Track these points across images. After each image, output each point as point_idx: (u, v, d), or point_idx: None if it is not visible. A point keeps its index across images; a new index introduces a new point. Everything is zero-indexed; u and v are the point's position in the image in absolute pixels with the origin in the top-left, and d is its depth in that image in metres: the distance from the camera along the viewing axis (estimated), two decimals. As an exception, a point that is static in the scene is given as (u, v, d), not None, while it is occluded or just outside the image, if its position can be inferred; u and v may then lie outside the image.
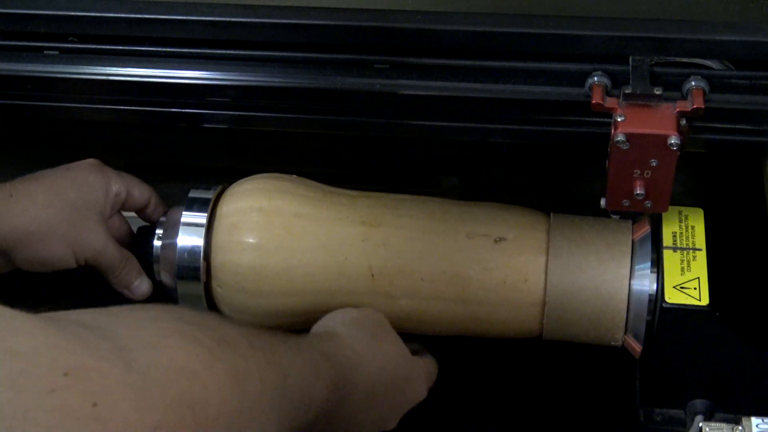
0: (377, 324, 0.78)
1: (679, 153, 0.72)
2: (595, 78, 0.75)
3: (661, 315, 0.76)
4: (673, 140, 0.71)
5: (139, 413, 0.49)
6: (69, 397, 0.47)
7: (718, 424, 0.71)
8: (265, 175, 0.84)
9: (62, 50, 0.83)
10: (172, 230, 0.83)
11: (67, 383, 0.47)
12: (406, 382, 0.78)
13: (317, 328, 0.78)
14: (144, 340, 0.53)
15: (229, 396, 0.55)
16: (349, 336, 0.75)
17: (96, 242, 0.82)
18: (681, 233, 0.79)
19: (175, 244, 0.82)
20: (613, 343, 0.80)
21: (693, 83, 0.73)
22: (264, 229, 0.81)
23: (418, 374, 0.79)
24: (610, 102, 0.73)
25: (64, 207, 0.81)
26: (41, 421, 0.45)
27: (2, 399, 0.45)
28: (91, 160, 0.84)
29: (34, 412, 0.45)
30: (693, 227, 0.80)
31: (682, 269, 0.77)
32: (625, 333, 0.79)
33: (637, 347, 0.79)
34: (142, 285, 0.85)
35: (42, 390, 0.46)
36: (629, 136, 0.71)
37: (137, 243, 0.87)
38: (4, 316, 0.49)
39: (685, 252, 0.78)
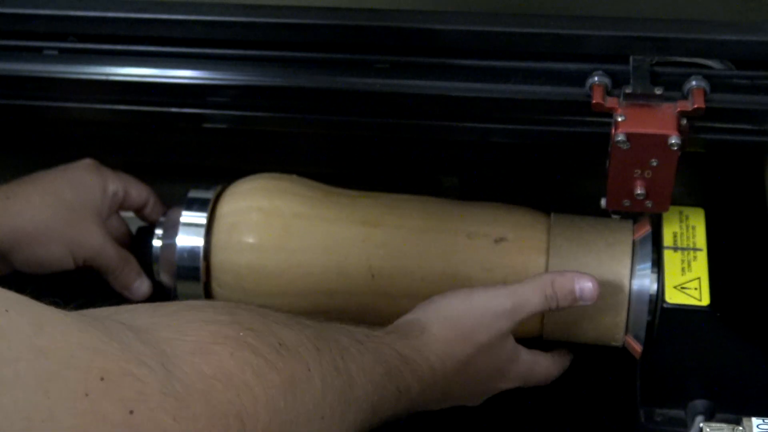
0: (476, 318, 0.73)
1: (679, 153, 0.72)
2: (596, 78, 0.75)
3: (661, 315, 0.76)
4: (674, 140, 0.71)
5: (179, 423, 0.47)
6: (103, 402, 0.45)
7: (718, 425, 0.70)
8: (265, 175, 0.84)
9: (61, 50, 0.83)
10: (171, 230, 0.83)
11: (102, 388, 0.45)
12: (500, 375, 0.75)
13: (406, 320, 0.74)
14: (191, 345, 0.51)
15: (283, 408, 0.52)
16: (437, 336, 0.71)
17: (94, 243, 0.82)
18: (681, 233, 0.79)
19: (175, 244, 0.82)
20: (613, 343, 0.80)
21: (694, 83, 0.73)
22: (264, 229, 0.81)
23: (520, 368, 0.76)
24: (610, 102, 0.73)
25: (61, 208, 0.81)
26: (70, 425, 0.43)
27: (30, 401, 0.43)
28: (87, 161, 0.84)
29: (64, 415, 0.43)
30: (694, 227, 0.79)
31: (683, 269, 0.77)
32: (626, 333, 0.79)
33: (637, 347, 0.79)
34: (142, 285, 0.85)
35: (74, 393, 0.44)
36: (630, 136, 0.71)
37: (136, 243, 0.87)
38: (34, 310, 0.46)
39: (685, 252, 0.78)
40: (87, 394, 0.44)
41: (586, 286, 0.74)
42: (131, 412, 0.45)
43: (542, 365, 0.79)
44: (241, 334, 0.53)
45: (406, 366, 0.67)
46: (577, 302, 0.74)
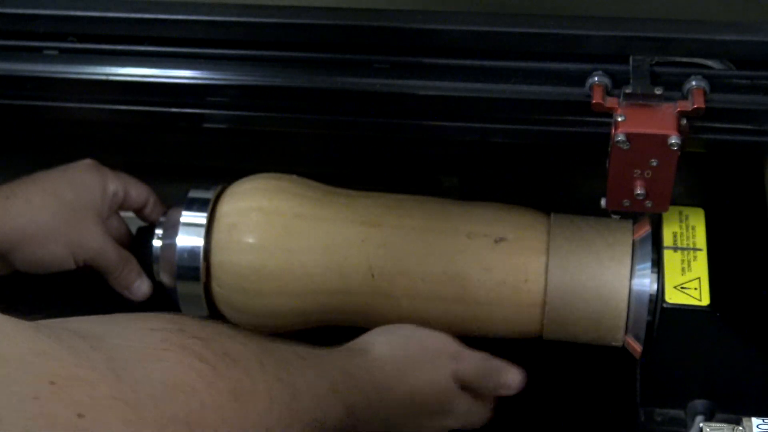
0: (423, 348, 0.76)
1: (679, 153, 0.72)
2: (596, 78, 0.75)
3: (661, 315, 0.76)
4: (674, 140, 0.71)
5: (128, 427, 0.48)
6: (53, 405, 0.45)
7: (718, 425, 0.70)
8: (265, 175, 0.84)
9: (62, 50, 0.83)
10: (171, 230, 0.83)
11: (52, 391, 0.46)
12: (443, 412, 0.77)
13: (355, 341, 0.76)
14: (140, 351, 0.52)
15: (230, 415, 0.53)
16: (383, 356, 0.73)
17: (94, 243, 0.82)
18: (681, 233, 0.79)
19: (175, 244, 0.82)
20: (613, 343, 0.80)
21: (693, 83, 0.73)
22: (264, 229, 0.80)
23: (460, 408, 0.78)
24: (610, 102, 0.73)
25: (61, 208, 0.81)
26: (21, 427, 0.44)
27: None
28: (87, 161, 0.84)
29: (14, 417, 0.44)
30: (693, 227, 0.79)
31: (683, 269, 0.77)
32: (626, 333, 0.79)
33: (637, 347, 0.79)
34: (142, 286, 0.85)
35: (25, 396, 0.45)
36: (630, 136, 0.71)
37: (136, 243, 0.87)
38: None
39: (685, 252, 0.78)
40: (36, 398, 0.45)
41: (512, 379, 0.78)
42: (81, 415, 0.46)
43: (479, 412, 0.80)
44: (188, 341, 0.54)
45: (350, 382, 0.68)
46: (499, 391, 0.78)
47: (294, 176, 0.84)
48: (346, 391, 0.67)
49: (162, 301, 0.85)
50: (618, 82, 0.74)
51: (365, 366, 0.71)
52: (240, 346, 0.59)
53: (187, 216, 0.82)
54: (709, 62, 0.75)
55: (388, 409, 0.72)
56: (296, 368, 0.63)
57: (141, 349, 0.52)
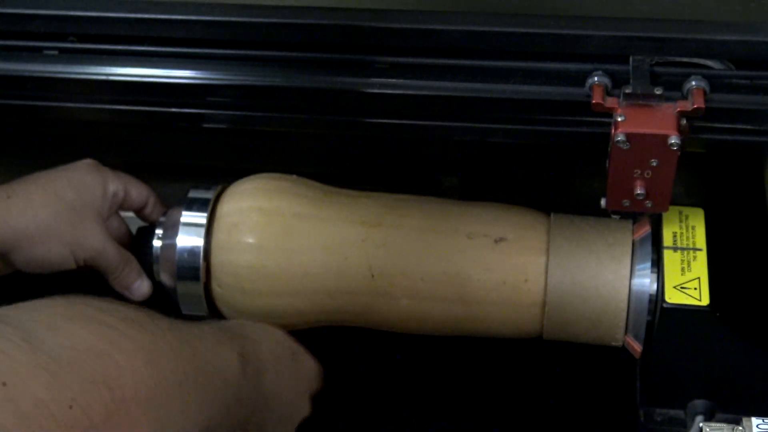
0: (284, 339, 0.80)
1: (679, 153, 0.72)
2: (596, 78, 0.75)
3: (661, 315, 0.76)
4: (674, 140, 0.71)
5: (51, 391, 0.50)
6: None
7: (718, 425, 0.70)
8: (265, 175, 0.84)
9: (61, 50, 0.83)
10: (171, 230, 0.83)
11: None
12: (296, 359, 0.79)
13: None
14: (47, 323, 0.54)
15: (144, 373, 0.56)
16: (266, 332, 0.77)
17: (95, 242, 0.82)
18: (681, 233, 0.79)
19: (175, 244, 0.82)
20: (613, 343, 0.80)
21: (693, 83, 0.73)
22: (264, 229, 0.81)
23: (300, 353, 0.80)
24: (610, 102, 0.73)
25: (61, 207, 0.81)
26: None
27: None
28: (88, 161, 0.84)
29: None
30: (693, 227, 0.80)
31: (683, 269, 0.77)
32: (626, 333, 0.79)
33: (637, 347, 0.79)
34: (142, 286, 0.85)
35: None
36: (629, 136, 0.71)
37: (136, 243, 0.86)
38: None
39: (685, 252, 0.78)
40: None
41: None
42: (4, 383, 0.48)
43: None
44: (90, 310, 0.57)
45: (233, 335, 0.71)
46: None
47: (294, 176, 0.84)
48: (234, 342, 0.70)
49: (162, 302, 0.85)
50: (618, 82, 0.74)
51: (236, 325, 0.76)
52: (136, 310, 0.62)
53: (187, 216, 0.82)
54: (709, 62, 0.75)
55: (269, 358, 0.75)
56: (187, 327, 0.65)
57: (47, 321, 0.55)
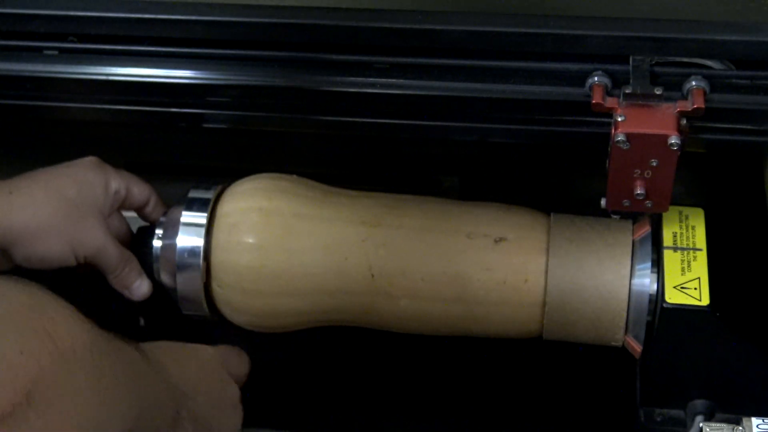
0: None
1: (679, 153, 0.72)
2: (596, 78, 0.75)
3: (661, 315, 0.76)
4: (674, 140, 0.71)
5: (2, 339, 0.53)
6: None
7: (718, 425, 0.70)
8: (265, 175, 0.84)
9: (61, 50, 0.83)
10: (171, 230, 0.83)
11: None
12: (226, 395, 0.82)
13: None
14: None
15: (76, 329, 0.59)
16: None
17: (95, 240, 0.82)
18: (681, 233, 0.79)
19: (175, 244, 0.82)
20: (613, 343, 0.80)
21: (693, 83, 0.73)
22: (264, 229, 0.81)
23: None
24: (610, 102, 0.73)
25: (63, 204, 0.81)
26: None
27: None
28: (90, 158, 0.84)
29: None
30: (693, 227, 0.80)
31: (683, 269, 0.77)
32: (626, 333, 0.79)
33: (637, 347, 0.79)
34: (142, 285, 0.85)
35: None
36: (629, 136, 0.71)
37: (137, 243, 0.86)
38: None
39: (685, 252, 0.78)
40: None
41: None
42: None
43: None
44: (14, 280, 0.61)
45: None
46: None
47: (294, 176, 0.84)
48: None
49: (162, 301, 0.85)
50: (618, 82, 0.74)
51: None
52: (56, 306, 0.63)
53: (187, 216, 0.82)
54: (709, 62, 0.75)
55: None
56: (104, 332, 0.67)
57: None
